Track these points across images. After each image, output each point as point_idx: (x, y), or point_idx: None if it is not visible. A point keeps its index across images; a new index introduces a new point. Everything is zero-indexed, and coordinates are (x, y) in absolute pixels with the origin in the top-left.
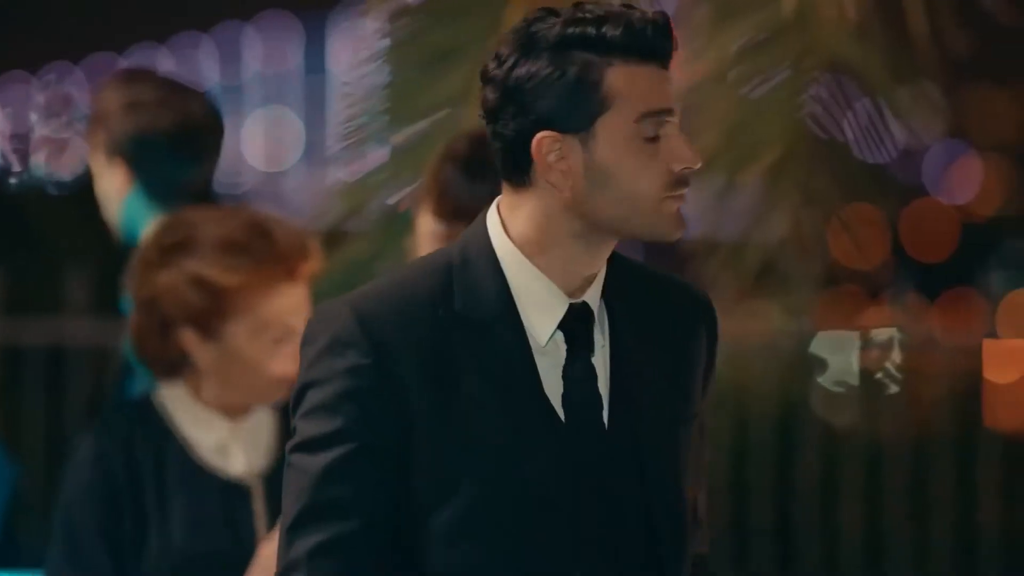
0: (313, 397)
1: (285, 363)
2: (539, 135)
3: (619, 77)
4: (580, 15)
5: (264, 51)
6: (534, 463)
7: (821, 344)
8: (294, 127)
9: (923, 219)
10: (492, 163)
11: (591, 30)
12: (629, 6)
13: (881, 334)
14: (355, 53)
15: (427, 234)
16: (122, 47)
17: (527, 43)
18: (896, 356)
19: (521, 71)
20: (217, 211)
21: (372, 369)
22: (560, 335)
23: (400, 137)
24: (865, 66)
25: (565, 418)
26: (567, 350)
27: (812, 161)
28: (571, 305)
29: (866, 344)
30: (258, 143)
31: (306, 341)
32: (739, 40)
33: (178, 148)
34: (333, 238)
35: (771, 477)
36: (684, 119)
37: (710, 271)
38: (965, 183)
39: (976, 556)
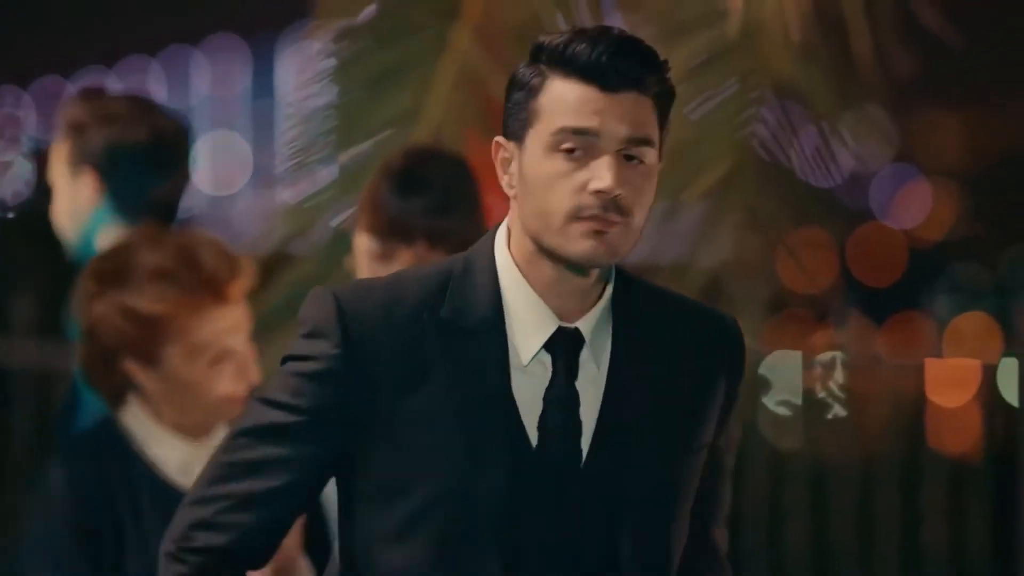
0: (287, 365)
1: (228, 383)
2: (495, 139)
3: (552, 91)
4: (568, 32)
5: (212, 75)
6: (487, 481)
7: (767, 366)
8: (242, 151)
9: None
10: (426, 178)
11: (548, 43)
12: (608, 29)
13: (827, 357)
14: (302, 75)
15: (363, 252)
16: (69, 71)
17: (529, 54)
18: (842, 378)
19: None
20: (153, 236)
21: (340, 360)
22: (548, 357)
23: (345, 158)
24: (809, 87)
25: (537, 441)
26: (552, 373)
27: (759, 184)
28: (561, 328)
29: (812, 366)
30: (206, 167)
31: (299, 319)
32: (685, 61)
33: (150, 160)
34: (279, 261)
35: None
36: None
37: None
38: (913, 208)
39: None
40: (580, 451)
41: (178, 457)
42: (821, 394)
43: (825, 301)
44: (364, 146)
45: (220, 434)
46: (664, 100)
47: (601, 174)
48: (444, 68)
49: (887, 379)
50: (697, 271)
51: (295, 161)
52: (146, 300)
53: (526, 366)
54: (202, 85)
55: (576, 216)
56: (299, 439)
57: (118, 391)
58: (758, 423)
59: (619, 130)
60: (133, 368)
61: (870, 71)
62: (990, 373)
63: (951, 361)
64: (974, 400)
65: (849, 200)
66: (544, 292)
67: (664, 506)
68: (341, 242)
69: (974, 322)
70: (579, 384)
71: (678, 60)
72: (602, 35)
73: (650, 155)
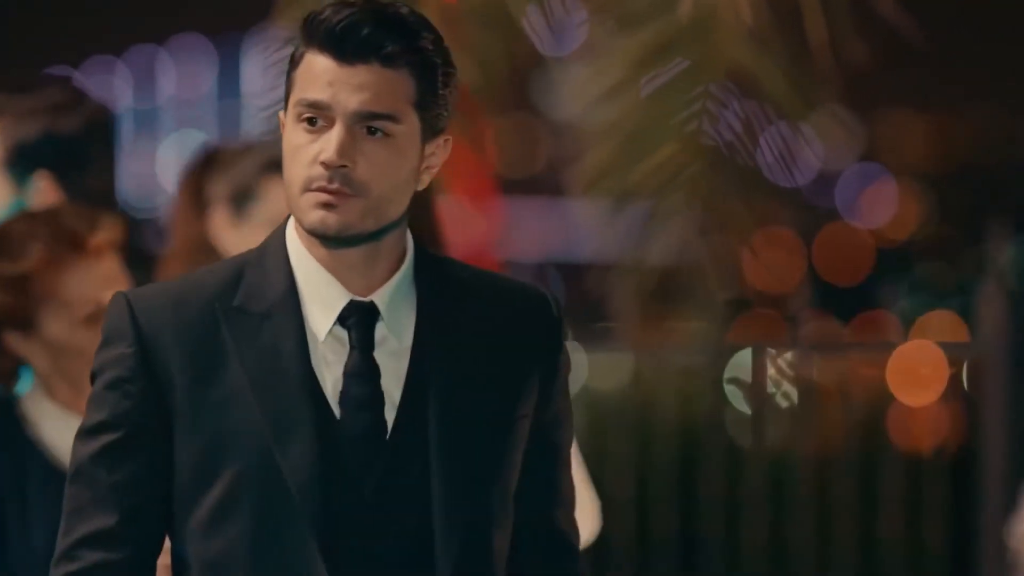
0: (93, 386)
1: None
2: (279, 113)
3: (302, 63)
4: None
5: (178, 75)
6: (294, 457)
7: (732, 365)
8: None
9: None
10: None
11: (307, 17)
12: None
13: (792, 355)
14: (266, 71)
15: None
16: (35, 69)
17: None
18: (806, 376)
19: None
20: (23, 212)
21: (134, 359)
22: (344, 332)
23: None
24: (763, 74)
25: (340, 415)
26: (349, 347)
27: (721, 182)
28: (354, 302)
29: (776, 365)
30: (172, 167)
31: (101, 330)
32: (639, 50)
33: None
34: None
35: (676, 493)
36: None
37: (608, 289)
38: (879, 207)
39: (879, 570)
40: (384, 422)
41: (72, 437)
42: (784, 391)
43: (791, 300)
44: None
45: None
46: (424, 71)
47: (327, 146)
48: None
49: (851, 377)
50: (652, 269)
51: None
52: (14, 263)
53: (323, 342)
54: (168, 85)
55: (307, 187)
56: (132, 452)
57: (8, 371)
58: (725, 421)
59: (350, 102)
60: (15, 341)
61: (826, 62)
62: (957, 370)
63: (916, 358)
64: (940, 398)
65: (816, 200)
66: (330, 267)
67: (476, 479)
68: None
69: (940, 320)
70: (380, 357)
71: (633, 49)
72: (350, 5)
73: (395, 129)
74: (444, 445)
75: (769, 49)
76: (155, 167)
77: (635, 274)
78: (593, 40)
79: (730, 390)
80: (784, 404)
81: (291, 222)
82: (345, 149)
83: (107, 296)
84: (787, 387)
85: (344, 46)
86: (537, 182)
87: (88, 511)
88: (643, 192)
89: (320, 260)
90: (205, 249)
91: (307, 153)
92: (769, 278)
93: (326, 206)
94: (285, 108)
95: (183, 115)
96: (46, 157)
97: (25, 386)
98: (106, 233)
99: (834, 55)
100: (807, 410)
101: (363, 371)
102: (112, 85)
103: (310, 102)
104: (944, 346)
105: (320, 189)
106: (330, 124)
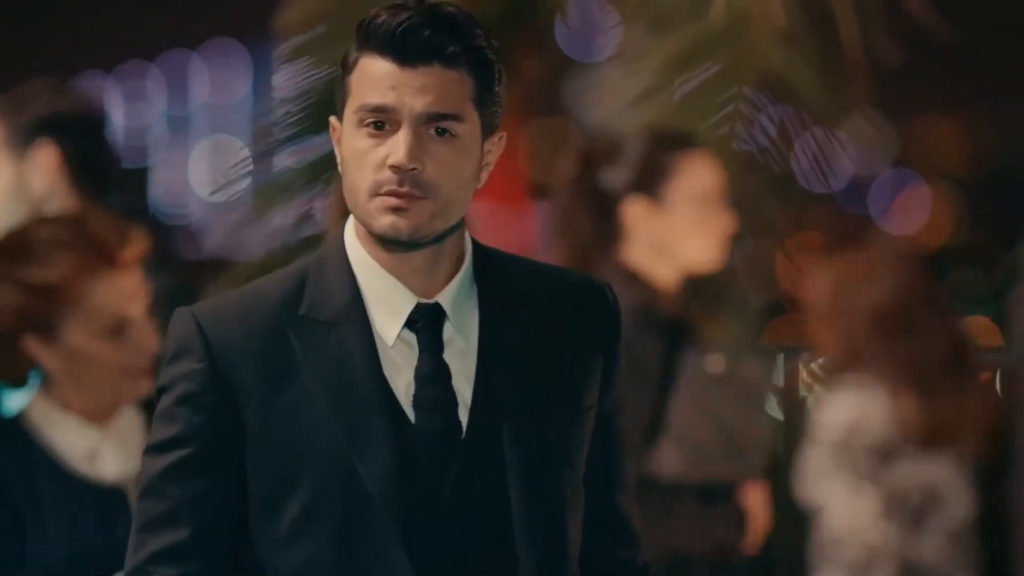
0: (160, 402)
1: (129, 354)
2: (330, 119)
3: (360, 68)
4: (386, 8)
5: (211, 80)
6: (373, 463)
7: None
8: (241, 156)
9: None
10: None
11: (364, 20)
12: (420, 3)
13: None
14: (276, 64)
15: None
16: (68, 75)
17: None
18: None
19: None
20: (50, 215)
21: (205, 373)
22: (413, 335)
23: (315, 145)
24: (797, 77)
25: (415, 419)
26: (419, 350)
27: (754, 187)
28: (420, 304)
29: (809, 369)
30: (204, 172)
31: (163, 348)
32: (671, 54)
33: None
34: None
35: None
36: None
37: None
38: (912, 213)
39: None
40: (460, 423)
41: (83, 444)
42: (817, 396)
43: None
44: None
45: (125, 417)
46: (481, 69)
47: (396, 149)
48: None
49: None
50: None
51: (265, 147)
52: (39, 269)
53: (392, 347)
54: (202, 90)
55: (376, 192)
56: (205, 466)
57: (21, 376)
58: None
59: (416, 104)
60: (34, 346)
61: (859, 65)
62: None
63: None
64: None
65: (848, 205)
66: (394, 271)
67: (551, 472)
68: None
69: (973, 326)
70: (449, 358)
71: (665, 53)
72: (405, 9)
73: (459, 128)
74: (518, 441)
75: (802, 52)
76: (187, 173)
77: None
78: (625, 44)
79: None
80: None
81: (349, 228)
82: (414, 151)
83: (130, 309)
84: (820, 391)
85: (406, 49)
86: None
87: (160, 526)
88: None
89: (384, 265)
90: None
91: (373, 157)
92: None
93: (397, 210)
94: (339, 114)
95: (216, 120)
96: (46, 127)
97: (26, 391)
98: (136, 247)
99: (867, 58)
100: None
101: (435, 373)
102: (145, 90)
103: (374, 106)
104: (977, 352)
105: (390, 193)
106: (395, 127)
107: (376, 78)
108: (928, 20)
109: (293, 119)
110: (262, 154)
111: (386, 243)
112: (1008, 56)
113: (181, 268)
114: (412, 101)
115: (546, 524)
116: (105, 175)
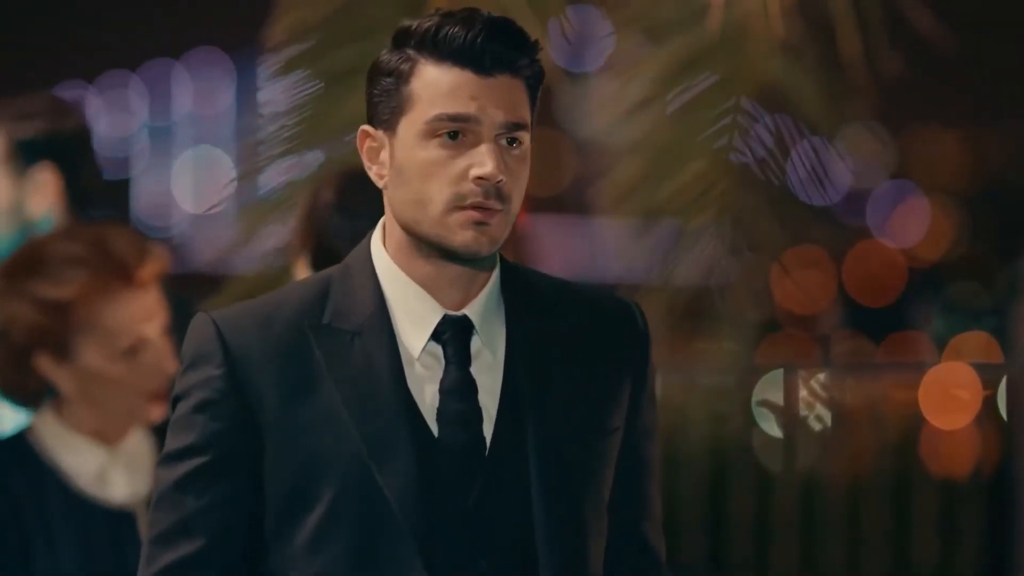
0: (176, 410)
1: (145, 376)
2: (361, 128)
3: (425, 76)
4: (435, 15)
5: (195, 89)
6: (394, 476)
7: (761, 386)
8: (225, 167)
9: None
10: (363, 203)
11: (415, 27)
12: (476, 11)
13: (823, 376)
14: (265, 77)
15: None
16: (49, 85)
17: (392, 39)
18: (838, 397)
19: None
20: (65, 230)
21: (224, 380)
22: (439, 348)
23: (307, 158)
24: (795, 87)
25: (439, 432)
26: (445, 363)
27: (751, 200)
28: (448, 317)
29: (808, 386)
30: (187, 184)
31: (180, 355)
32: (666, 64)
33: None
34: (262, 282)
35: (706, 516)
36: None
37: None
38: (911, 226)
39: None
40: (483, 438)
41: (93, 466)
42: (816, 413)
43: (822, 321)
44: (326, 146)
45: (135, 438)
46: (535, 81)
47: (483, 160)
48: None
49: (884, 397)
50: (680, 289)
51: (255, 163)
52: (56, 287)
53: (418, 358)
54: (185, 100)
55: (456, 205)
56: (222, 475)
57: (32, 394)
58: (753, 443)
59: (497, 115)
60: (47, 364)
61: (859, 75)
62: (992, 392)
63: (950, 379)
64: (974, 420)
65: (847, 218)
66: (425, 283)
67: (575, 491)
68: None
69: (974, 341)
70: (475, 371)
71: (661, 63)
72: (473, 18)
73: (527, 139)
74: (543, 458)
75: (801, 62)
76: (170, 185)
77: (663, 294)
78: (619, 54)
79: (760, 412)
80: (816, 427)
81: (376, 237)
82: (500, 163)
83: (146, 329)
84: (819, 409)
85: (483, 59)
86: (563, 200)
87: (174, 537)
88: (671, 210)
89: (413, 276)
90: None
91: (451, 169)
92: (799, 298)
93: (479, 224)
94: (383, 123)
95: (200, 131)
96: (48, 149)
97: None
98: (154, 265)
99: (867, 69)
100: (838, 432)
101: (461, 387)
102: (127, 100)
103: (453, 116)
104: (978, 367)
105: (475, 206)
106: (472, 138)
107: (452, 87)
108: (930, 32)
109: (288, 133)
110: (250, 171)
111: (448, 256)
112: (1010, 70)
113: (166, 282)
114: (494, 111)
115: (568, 543)
116: (89, 189)
